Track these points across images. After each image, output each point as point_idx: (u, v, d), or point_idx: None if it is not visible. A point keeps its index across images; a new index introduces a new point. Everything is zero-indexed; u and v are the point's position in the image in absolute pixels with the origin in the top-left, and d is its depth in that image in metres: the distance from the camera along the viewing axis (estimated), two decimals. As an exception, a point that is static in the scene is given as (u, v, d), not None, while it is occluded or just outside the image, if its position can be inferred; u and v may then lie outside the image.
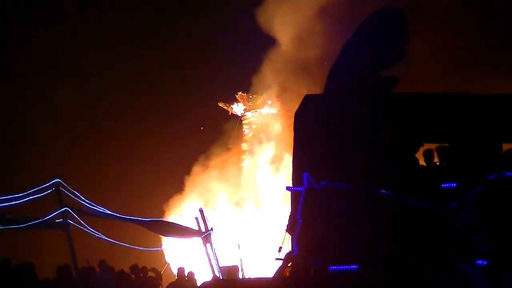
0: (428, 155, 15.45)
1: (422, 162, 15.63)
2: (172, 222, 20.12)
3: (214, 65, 34.21)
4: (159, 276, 19.25)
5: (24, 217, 18.49)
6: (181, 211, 26.90)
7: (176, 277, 19.10)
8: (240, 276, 21.63)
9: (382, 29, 15.89)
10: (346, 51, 16.10)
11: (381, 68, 15.94)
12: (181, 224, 20.04)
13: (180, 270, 18.60)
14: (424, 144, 15.62)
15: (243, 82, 31.86)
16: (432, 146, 15.58)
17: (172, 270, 25.67)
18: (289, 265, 15.40)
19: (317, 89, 17.63)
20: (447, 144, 15.48)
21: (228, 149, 31.36)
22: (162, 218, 21.95)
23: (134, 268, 18.51)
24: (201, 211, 19.59)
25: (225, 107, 32.16)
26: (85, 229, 18.73)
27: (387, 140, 15.33)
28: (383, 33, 15.89)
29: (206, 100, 33.28)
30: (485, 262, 14.52)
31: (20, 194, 18.31)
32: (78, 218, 18.56)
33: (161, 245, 24.91)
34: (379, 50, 15.87)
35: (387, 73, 16.00)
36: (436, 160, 15.53)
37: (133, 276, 18.48)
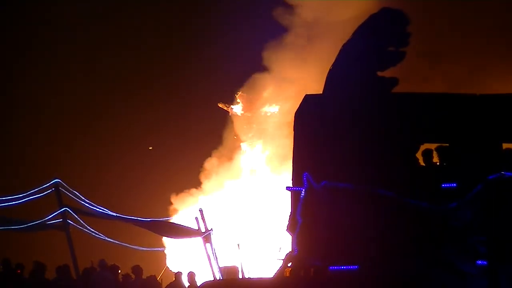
0: (427, 155, 15.45)
1: (421, 162, 15.64)
2: (172, 222, 20.13)
3: (215, 66, 34.18)
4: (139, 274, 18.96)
5: (23, 220, 18.51)
6: (181, 212, 26.88)
7: (174, 279, 19.10)
8: (240, 276, 21.63)
9: (382, 30, 15.90)
10: (345, 51, 16.12)
11: (380, 69, 15.97)
12: (181, 224, 20.05)
13: (178, 274, 18.62)
14: (424, 144, 15.63)
15: (243, 82, 31.83)
16: (432, 146, 15.59)
17: (172, 271, 25.63)
18: (289, 265, 15.40)
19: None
20: (447, 144, 15.49)
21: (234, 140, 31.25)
22: (162, 218, 21.96)
23: (136, 268, 18.47)
24: (201, 211, 19.59)
25: (225, 108, 32.11)
26: (85, 229, 18.74)
27: (387, 140, 15.34)
28: (382, 35, 15.90)
29: (206, 100, 33.26)
30: (485, 262, 14.53)
31: (20, 195, 18.33)
32: (78, 218, 18.57)
33: (161, 245, 24.89)
34: (378, 52, 15.89)
35: (386, 73, 16.06)
36: (435, 160, 15.53)
37: (133, 276, 18.47)
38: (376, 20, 16.03)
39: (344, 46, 16.19)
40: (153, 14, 34.95)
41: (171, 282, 18.93)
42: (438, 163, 15.50)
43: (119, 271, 18.55)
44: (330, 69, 16.19)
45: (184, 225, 20.02)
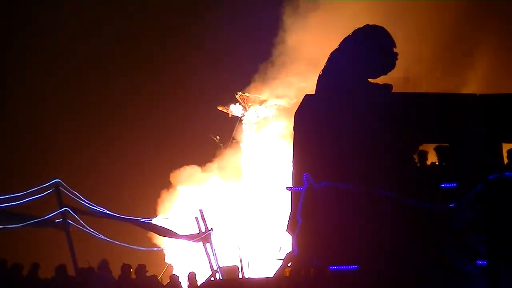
0: (421, 156, 15.47)
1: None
2: (171, 230, 20.10)
3: (211, 66, 34.24)
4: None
5: (24, 215, 18.51)
6: (180, 212, 26.89)
7: (169, 280, 19.08)
8: (240, 276, 21.63)
9: (366, 44, 16.09)
10: (333, 59, 16.27)
11: (370, 76, 16.08)
12: (179, 229, 20.07)
13: (174, 277, 18.60)
14: (424, 144, 15.66)
15: (242, 82, 31.87)
16: (429, 146, 15.61)
17: (173, 271, 25.63)
18: (289, 265, 15.41)
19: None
20: (447, 144, 15.51)
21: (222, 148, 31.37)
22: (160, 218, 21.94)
23: (140, 268, 18.41)
24: (201, 211, 19.59)
25: (225, 110, 32.10)
26: (85, 229, 18.73)
27: (388, 140, 15.35)
28: (367, 48, 16.08)
29: (203, 101, 33.33)
30: (485, 262, 14.54)
31: (20, 194, 18.33)
32: (78, 218, 18.57)
33: (161, 245, 24.89)
34: (365, 61, 16.04)
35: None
36: (431, 161, 15.56)
37: (134, 276, 18.43)
38: (360, 34, 16.23)
39: (332, 54, 16.35)
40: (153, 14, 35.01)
41: (167, 283, 18.90)
42: (437, 163, 15.52)
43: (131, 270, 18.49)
44: (320, 74, 16.32)
45: (184, 226, 20.03)
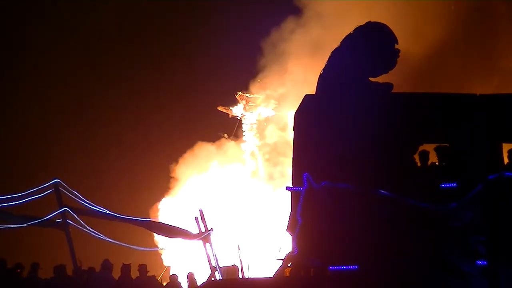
0: (423, 156, 15.46)
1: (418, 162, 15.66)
2: (171, 225, 20.09)
3: (209, 66, 34.26)
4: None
5: (24, 215, 18.51)
6: (180, 211, 26.88)
7: (169, 280, 19.09)
8: (240, 276, 21.63)
9: (368, 41, 16.07)
10: (334, 58, 16.26)
11: (371, 75, 16.07)
12: (180, 227, 20.04)
13: (174, 277, 18.61)
14: (424, 144, 15.65)
15: (241, 82, 31.86)
16: (429, 146, 15.60)
17: (172, 271, 25.61)
18: (289, 265, 15.41)
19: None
20: (447, 144, 15.51)
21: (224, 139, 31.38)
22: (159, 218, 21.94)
23: (142, 268, 18.42)
24: (201, 211, 19.57)
25: (225, 111, 32.05)
26: (85, 229, 18.72)
27: (387, 140, 15.34)
28: (368, 45, 16.07)
29: (203, 100, 33.32)
30: (485, 262, 14.53)
31: (20, 194, 18.32)
32: (78, 218, 18.55)
33: (161, 245, 24.86)
34: (366, 60, 16.02)
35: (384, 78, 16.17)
36: (431, 161, 15.55)
37: (134, 276, 18.43)
38: (362, 32, 16.20)
39: (333, 53, 16.34)
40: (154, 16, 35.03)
41: (166, 284, 18.91)
42: (437, 163, 15.52)
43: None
44: (320, 73, 16.31)
45: (183, 228, 20.00)
